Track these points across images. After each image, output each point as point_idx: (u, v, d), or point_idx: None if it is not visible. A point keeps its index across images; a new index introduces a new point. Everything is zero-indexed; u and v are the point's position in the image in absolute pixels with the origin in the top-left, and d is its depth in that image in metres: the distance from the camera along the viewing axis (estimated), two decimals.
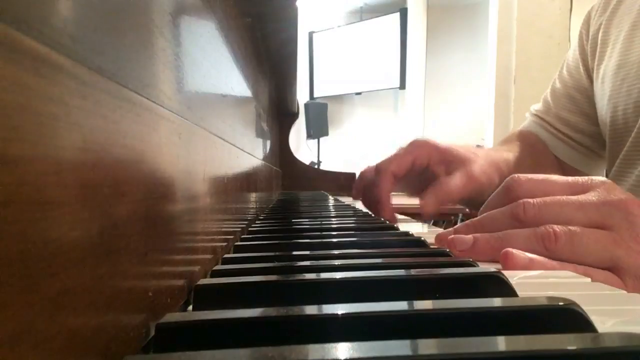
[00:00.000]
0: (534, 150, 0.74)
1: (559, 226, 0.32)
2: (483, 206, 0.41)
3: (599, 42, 0.67)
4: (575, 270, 0.31)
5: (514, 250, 0.31)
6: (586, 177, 0.36)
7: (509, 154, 0.69)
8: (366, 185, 0.68)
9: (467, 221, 0.40)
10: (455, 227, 0.41)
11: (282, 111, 1.44)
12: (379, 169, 0.60)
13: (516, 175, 0.38)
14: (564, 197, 0.34)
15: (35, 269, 0.11)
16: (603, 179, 0.35)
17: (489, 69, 2.70)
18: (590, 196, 0.34)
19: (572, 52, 0.75)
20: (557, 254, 0.32)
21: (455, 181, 0.56)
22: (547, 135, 0.75)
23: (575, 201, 0.34)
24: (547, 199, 0.34)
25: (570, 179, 0.36)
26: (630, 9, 0.63)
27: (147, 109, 0.20)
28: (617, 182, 0.61)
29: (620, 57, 0.62)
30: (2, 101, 0.10)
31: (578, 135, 0.73)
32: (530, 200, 0.35)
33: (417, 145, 0.60)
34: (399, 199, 0.69)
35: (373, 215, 0.65)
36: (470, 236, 0.36)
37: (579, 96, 0.73)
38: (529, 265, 0.31)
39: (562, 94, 0.75)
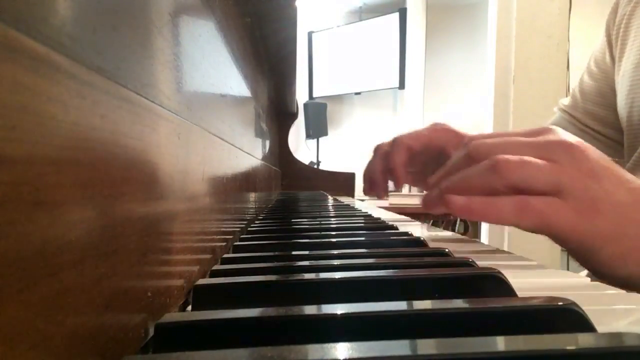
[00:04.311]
0: None
1: (510, 155, 0.36)
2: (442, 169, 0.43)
3: (621, 34, 0.67)
4: (515, 200, 0.34)
5: (453, 196, 0.35)
6: (538, 127, 0.40)
7: None
8: (380, 155, 0.63)
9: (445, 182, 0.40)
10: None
11: (281, 111, 1.44)
12: (394, 140, 0.59)
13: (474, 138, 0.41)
14: (515, 138, 0.38)
15: (34, 269, 0.11)
16: (552, 126, 0.39)
17: (488, 69, 2.69)
18: (539, 137, 0.38)
19: (600, 43, 0.75)
20: (508, 177, 0.35)
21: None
22: (576, 130, 0.75)
23: (525, 141, 0.37)
24: (497, 139, 0.38)
25: (523, 130, 0.40)
26: None
27: (146, 109, 0.20)
28: (634, 174, 0.62)
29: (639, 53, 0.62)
30: (1, 101, 0.10)
31: (606, 129, 0.73)
32: (484, 140, 0.38)
33: (437, 127, 0.59)
34: (399, 200, 0.69)
35: (369, 189, 0.63)
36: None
37: (607, 88, 0.72)
38: (468, 203, 0.34)
39: (590, 87, 0.75)
